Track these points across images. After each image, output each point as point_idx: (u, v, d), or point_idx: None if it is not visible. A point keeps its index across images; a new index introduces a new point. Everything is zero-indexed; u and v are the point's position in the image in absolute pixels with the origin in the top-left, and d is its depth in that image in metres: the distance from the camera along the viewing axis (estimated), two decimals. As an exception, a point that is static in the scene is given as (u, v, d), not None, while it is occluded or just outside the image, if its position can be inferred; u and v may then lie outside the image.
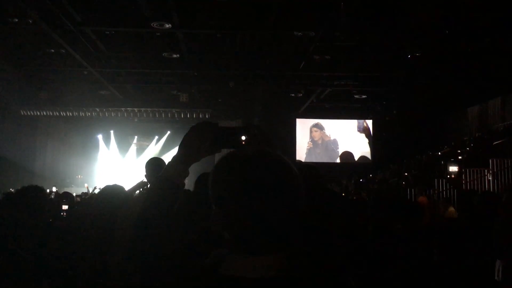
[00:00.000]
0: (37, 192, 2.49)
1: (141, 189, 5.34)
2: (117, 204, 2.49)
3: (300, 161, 18.67)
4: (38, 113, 19.27)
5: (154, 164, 3.03)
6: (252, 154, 1.09)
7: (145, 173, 3.10)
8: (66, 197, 6.09)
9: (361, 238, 2.39)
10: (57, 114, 19.26)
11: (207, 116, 19.08)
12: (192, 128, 1.40)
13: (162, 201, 1.24)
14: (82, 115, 19.38)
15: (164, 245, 1.14)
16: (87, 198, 4.78)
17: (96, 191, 14.49)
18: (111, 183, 2.98)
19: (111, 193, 2.60)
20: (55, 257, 2.24)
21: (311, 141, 20.99)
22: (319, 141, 20.97)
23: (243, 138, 1.41)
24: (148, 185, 5.47)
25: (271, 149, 1.14)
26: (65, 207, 4.81)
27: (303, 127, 21.04)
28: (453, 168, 9.46)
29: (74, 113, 19.17)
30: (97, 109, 18.93)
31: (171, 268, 1.08)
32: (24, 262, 2.18)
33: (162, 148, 23.45)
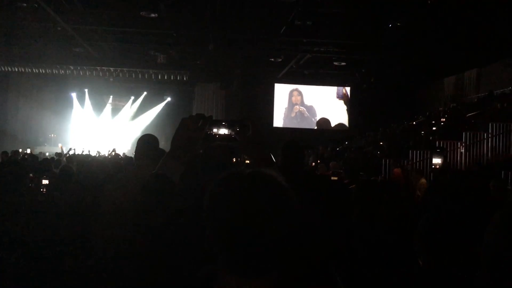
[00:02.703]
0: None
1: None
2: (101, 180, 2.43)
3: (279, 128, 18.61)
4: (10, 69, 18.63)
5: (145, 141, 2.94)
6: (248, 175, 1.07)
7: (135, 149, 2.99)
8: (47, 170, 5.91)
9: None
10: (30, 70, 18.67)
11: (184, 79, 18.77)
12: (183, 122, 1.37)
13: (157, 198, 1.23)
14: (55, 72, 18.84)
15: (161, 244, 1.13)
16: (66, 169, 4.63)
17: (71, 152, 14.27)
18: (90, 154, 2.90)
19: (94, 171, 2.54)
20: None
21: (289, 107, 21.01)
22: (298, 107, 21.01)
23: (236, 130, 1.40)
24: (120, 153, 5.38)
25: (267, 170, 1.12)
26: (45, 182, 4.66)
27: (282, 92, 20.99)
28: (437, 160, 9.05)
29: (47, 70, 18.60)
30: (71, 67, 18.42)
31: (166, 272, 1.08)
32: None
33: (138, 109, 23.08)
